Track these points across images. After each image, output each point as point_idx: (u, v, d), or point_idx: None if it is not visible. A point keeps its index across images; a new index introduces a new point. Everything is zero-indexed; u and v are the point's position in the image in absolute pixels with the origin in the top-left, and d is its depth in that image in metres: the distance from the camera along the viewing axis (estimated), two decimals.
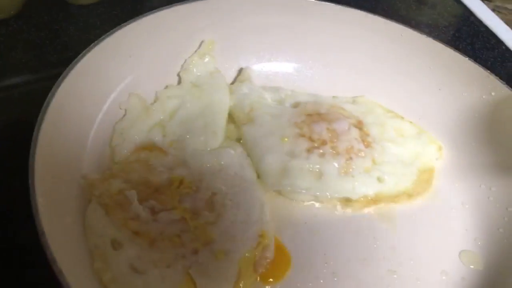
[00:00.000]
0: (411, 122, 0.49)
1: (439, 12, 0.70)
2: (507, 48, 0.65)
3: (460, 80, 0.47)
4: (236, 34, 0.49)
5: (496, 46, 0.65)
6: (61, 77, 0.38)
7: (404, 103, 0.50)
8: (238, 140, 0.45)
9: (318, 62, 0.52)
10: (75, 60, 0.39)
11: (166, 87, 0.47)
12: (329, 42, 0.51)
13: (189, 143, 0.43)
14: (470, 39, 0.66)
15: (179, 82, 0.47)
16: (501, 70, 0.62)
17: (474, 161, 0.46)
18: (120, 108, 0.43)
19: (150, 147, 0.42)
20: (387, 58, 0.50)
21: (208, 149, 0.43)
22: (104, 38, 0.41)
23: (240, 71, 0.50)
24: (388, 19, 0.50)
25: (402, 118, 0.49)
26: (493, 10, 0.72)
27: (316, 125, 0.44)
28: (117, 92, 0.43)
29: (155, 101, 0.46)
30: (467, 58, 0.47)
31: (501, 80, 0.45)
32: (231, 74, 0.50)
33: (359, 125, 0.46)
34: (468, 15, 0.70)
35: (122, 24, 0.43)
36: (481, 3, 0.72)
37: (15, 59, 0.50)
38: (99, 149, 0.41)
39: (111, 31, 0.42)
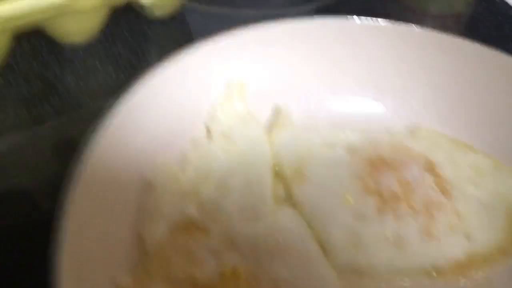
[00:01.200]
0: (485, 153, 0.41)
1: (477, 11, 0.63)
2: None
3: None
4: (266, 70, 0.41)
5: None
6: (78, 161, 0.30)
7: (470, 129, 0.42)
8: (289, 200, 0.37)
9: (362, 90, 0.44)
10: (91, 140, 0.32)
11: (194, 143, 0.39)
12: (371, 66, 0.43)
13: (233, 212, 0.35)
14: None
15: (208, 134, 0.39)
16: None
17: None
18: (144, 179, 0.35)
19: (187, 226, 0.34)
20: (446, 78, 0.43)
21: (257, 219, 0.35)
22: (118, 105, 0.33)
23: (276, 110, 0.42)
24: (444, 33, 0.42)
25: (474, 149, 0.42)
26: None
27: (383, 176, 0.36)
28: (140, 163, 0.35)
29: (184, 164, 0.38)
30: None
31: None
32: (266, 116, 0.42)
33: (431, 168, 0.38)
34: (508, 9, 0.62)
35: (135, 83, 0.35)
36: None
37: (5, 119, 0.42)
38: (128, 238, 0.33)
39: (124, 95, 0.34)
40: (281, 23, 0.41)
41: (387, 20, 0.43)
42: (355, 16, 0.43)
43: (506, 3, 0.63)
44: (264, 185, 0.37)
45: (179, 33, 0.54)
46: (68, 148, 0.42)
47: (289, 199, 0.37)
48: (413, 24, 0.43)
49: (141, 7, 0.50)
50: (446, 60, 0.43)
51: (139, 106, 0.35)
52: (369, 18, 0.43)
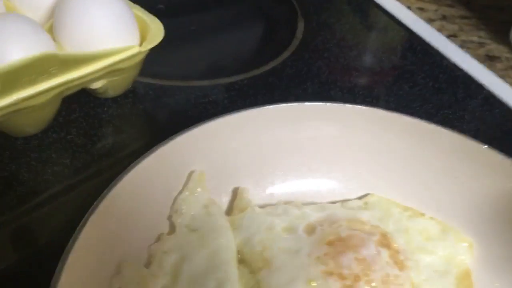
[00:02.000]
0: (431, 218, 0.45)
1: (409, 60, 0.67)
2: (489, 93, 0.62)
3: (479, 169, 0.43)
4: (223, 158, 0.43)
5: (478, 92, 0.63)
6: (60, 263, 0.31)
7: (417, 195, 0.45)
8: (256, 286, 0.39)
9: (315, 167, 0.46)
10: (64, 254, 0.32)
11: (159, 238, 0.40)
12: (323, 144, 0.46)
13: None
14: (451, 89, 0.62)
15: (172, 228, 0.40)
16: (491, 119, 0.59)
17: (509, 255, 0.42)
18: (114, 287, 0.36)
19: None
20: (392, 150, 0.46)
21: None
22: (88, 217, 0.34)
23: (235, 192, 0.44)
24: (390, 111, 0.45)
25: (423, 215, 0.45)
26: (461, 46, 0.70)
27: (343, 256, 0.39)
28: (107, 266, 0.35)
29: (150, 262, 0.38)
30: (483, 145, 0.43)
31: None
32: (225, 200, 0.44)
33: (386, 242, 0.41)
34: (441, 59, 0.67)
35: (104, 192, 0.35)
36: (449, 42, 0.69)
37: None
38: None
39: (94, 204, 0.35)
40: (233, 114, 0.43)
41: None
42: (297, 103, 0.45)
43: (440, 53, 0.68)
44: (232, 279, 0.38)
45: (132, 111, 0.54)
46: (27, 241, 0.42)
47: (255, 285, 0.39)
48: (353, 104, 0.46)
49: (94, 91, 0.51)
50: (389, 134, 0.46)
51: (107, 214, 0.36)
52: (309, 102, 0.46)
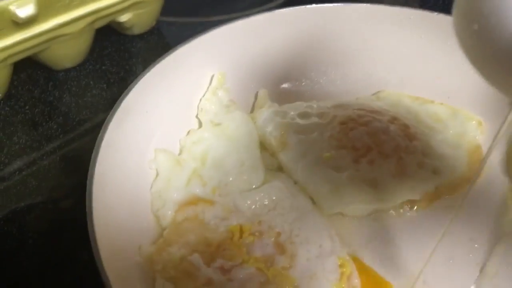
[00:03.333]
0: (441, 103, 0.47)
1: None
2: None
3: None
4: (243, 61, 0.47)
5: None
6: (94, 153, 0.35)
7: (428, 86, 0.48)
8: (279, 168, 0.43)
9: (330, 68, 0.49)
10: (100, 135, 0.36)
11: (188, 133, 0.44)
12: (336, 45, 0.49)
13: (233, 185, 0.40)
14: None
15: (200, 125, 0.45)
16: None
17: None
18: (150, 169, 0.40)
19: (195, 201, 0.39)
20: (399, 45, 0.48)
21: (254, 186, 0.40)
22: (119, 103, 0.38)
23: (256, 96, 0.48)
24: (393, 6, 0.48)
25: (432, 101, 0.47)
26: None
27: (354, 132, 0.42)
28: (144, 152, 0.40)
29: (181, 151, 0.43)
30: None
31: None
32: (249, 102, 0.48)
33: (395, 120, 0.44)
34: None
35: (130, 86, 0.40)
36: None
37: (18, 143, 0.47)
38: (145, 219, 0.38)
39: (122, 96, 0.39)
40: (249, 18, 0.47)
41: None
42: (313, 4, 0.49)
43: None
44: (254, 159, 0.42)
45: (158, 45, 0.59)
46: (77, 159, 0.47)
47: (278, 165, 0.43)
48: (364, 3, 0.49)
49: (121, 27, 0.56)
50: (397, 30, 0.48)
51: (134, 108, 0.40)
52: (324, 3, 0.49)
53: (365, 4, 0.49)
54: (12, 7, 0.43)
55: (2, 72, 0.47)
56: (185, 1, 0.65)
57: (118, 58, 0.56)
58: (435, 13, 0.47)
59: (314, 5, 0.48)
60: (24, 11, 0.43)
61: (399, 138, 0.42)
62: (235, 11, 0.64)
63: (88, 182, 0.33)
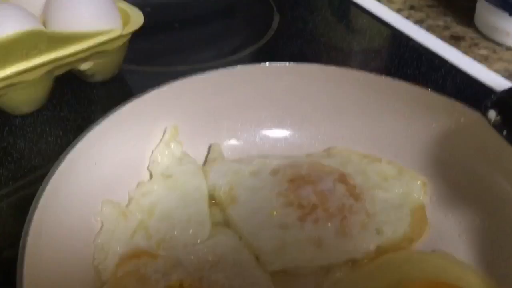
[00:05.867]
0: (389, 162, 0.49)
1: (377, 42, 0.72)
2: (451, 65, 0.67)
3: (426, 113, 0.47)
4: (198, 114, 0.48)
5: (441, 65, 0.67)
6: (34, 208, 0.35)
7: (377, 144, 0.50)
8: (226, 223, 0.43)
9: (283, 123, 0.51)
10: (43, 184, 0.37)
11: (138, 184, 0.44)
12: (288, 101, 0.51)
13: (178, 239, 0.40)
14: (415, 63, 0.67)
15: (150, 176, 0.45)
16: (452, 87, 0.64)
17: (460, 190, 0.46)
18: (95, 221, 0.40)
19: (138, 254, 0.39)
20: (350, 105, 0.50)
21: (199, 241, 0.41)
22: (65, 155, 0.39)
23: (210, 148, 0.49)
24: (343, 67, 0.50)
25: (380, 160, 0.49)
26: (427, 29, 0.75)
27: (301, 189, 0.43)
28: (90, 204, 0.40)
29: (129, 203, 0.43)
30: (428, 90, 0.47)
31: (467, 105, 0.46)
32: (201, 154, 0.49)
33: (343, 179, 0.45)
34: (407, 40, 0.72)
35: (80, 135, 0.40)
36: (416, 26, 0.74)
37: None
38: (85, 272, 0.38)
39: (71, 145, 0.40)
40: (206, 73, 0.48)
41: (295, 62, 0.51)
42: (266, 62, 0.50)
43: (407, 36, 0.73)
44: (202, 213, 0.43)
45: (120, 93, 0.60)
46: (27, 206, 0.47)
47: (225, 221, 0.43)
48: (316, 63, 0.51)
49: (83, 74, 0.56)
50: (349, 89, 0.50)
51: (86, 158, 0.41)
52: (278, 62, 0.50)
53: (317, 64, 0.50)
54: None
55: None
56: (148, 50, 0.66)
57: (77, 105, 0.56)
58: (383, 76, 0.49)
59: (270, 64, 0.50)
60: None
61: (344, 197, 0.43)
62: (198, 62, 0.66)
63: (23, 232, 0.33)
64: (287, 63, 0.50)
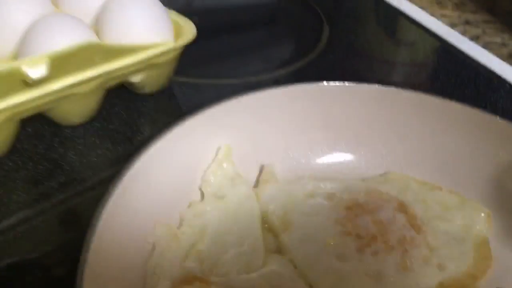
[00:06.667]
0: (450, 191, 0.46)
1: (436, 61, 0.69)
2: (511, 86, 0.64)
3: (492, 140, 0.45)
4: (251, 134, 0.47)
5: (500, 86, 0.64)
6: (90, 231, 0.34)
7: (437, 172, 0.47)
8: (279, 250, 0.42)
9: (338, 146, 0.49)
10: (99, 210, 0.36)
11: (190, 205, 0.43)
12: (344, 123, 0.49)
13: (231, 265, 0.39)
14: (473, 83, 0.64)
15: (202, 197, 0.44)
16: None
17: None
18: (148, 243, 0.39)
19: (190, 279, 0.38)
20: (410, 129, 0.48)
21: (252, 269, 0.39)
22: (123, 175, 0.38)
23: (262, 169, 0.47)
24: (405, 89, 0.48)
25: (441, 188, 0.46)
26: (484, 47, 0.72)
27: (360, 219, 0.41)
28: (143, 226, 0.39)
29: (181, 224, 0.42)
30: (496, 117, 0.45)
31: None
32: (253, 176, 0.47)
33: (403, 208, 0.43)
34: (464, 58, 0.69)
35: (134, 157, 0.39)
36: (473, 43, 0.71)
37: (16, 201, 0.46)
38: None
39: (125, 168, 0.39)
40: (260, 92, 0.47)
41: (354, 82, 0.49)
42: (324, 81, 0.49)
43: (462, 52, 0.70)
44: (255, 238, 0.41)
45: (169, 106, 0.59)
46: (75, 219, 0.46)
47: (277, 248, 0.42)
48: (376, 84, 0.49)
49: (133, 86, 0.56)
50: (408, 113, 0.48)
51: (140, 177, 0.40)
52: (336, 81, 0.49)
53: (376, 85, 0.48)
54: (24, 67, 0.43)
55: (8, 128, 0.47)
56: (197, 62, 0.65)
57: (126, 117, 0.56)
58: (446, 100, 0.47)
59: (327, 83, 0.48)
60: (36, 72, 0.43)
61: (405, 229, 0.41)
62: (246, 75, 0.64)
63: (83, 249, 0.33)
64: (345, 83, 0.48)
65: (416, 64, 0.71)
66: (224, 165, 0.45)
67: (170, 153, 0.42)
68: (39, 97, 0.45)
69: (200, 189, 0.44)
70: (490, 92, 0.63)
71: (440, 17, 0.79)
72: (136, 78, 0.54)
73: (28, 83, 0.44)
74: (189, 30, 0.55)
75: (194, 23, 0.57)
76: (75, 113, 0.52)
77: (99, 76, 0.49)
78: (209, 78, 0.63)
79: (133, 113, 0.56)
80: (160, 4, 0.54)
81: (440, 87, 0.64)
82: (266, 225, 0.43)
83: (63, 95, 0.48)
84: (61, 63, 0.45)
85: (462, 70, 0.67)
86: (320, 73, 0.65)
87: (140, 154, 0.40)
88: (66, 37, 0.46)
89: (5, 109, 0.44)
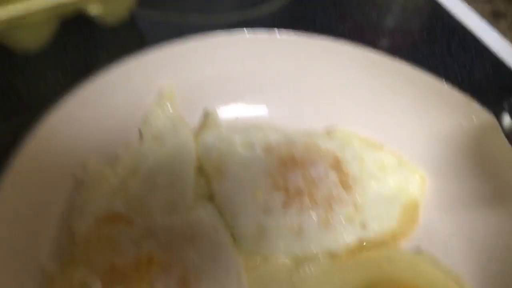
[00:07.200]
0: (390, 152, 0.46)
1: (411, 12, 0.67)
2: (484, 46, 0.62)
3: (439, 107, 0.44)
4: (198, 77, 0.46)
5: (474, 45, 0.62)
6: (15, 153, 0.35)
7: (382, 132, 0.47)
8: (210, 197, 0.42)
9: (288, 98, 0.48)
10: (28, 135, 0.37)
11: (126, 145, 0.43)
12: (298, 76, 0.48)
13: (156, 206, 0.40)
14: (446, 40, 0.62)
15: (140, 137, 0.44)
16: (480, 72, 0.59)
17: (461, 192, 0.43)
18: (76, 177, 0.40)
19: (113, 218, 0.39)
20: (361, 87, 0.47)
21: (176, 213, 0.40)
22: (56, 106, 0.38)
23: (205, 114, 0.47)
24: (358, 46, 0.47)
25: (382, 148, 0.46)
26: (467, 2, 0.69)
27: (291, 173, 0.41)
28: (73, 162, 0.40)
29: (115, 164, 0.42)
30: (444, 84, 0.44)
31: (482, 106, 0.42)
32: (196, 120, 0.47)
33: (337, 165, 0.43)
34: (442, 13, 0.66)
35: (74, 89, 0.39)
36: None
37: None
38: (58, 230, 0.38)
39: (62, 97, 0.39)
40: (213, 36, 0.45)
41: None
42: (276, 31, 0.47)
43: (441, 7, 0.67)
44: (186, 182, 0.42)
45: (130, 39, 0.58)
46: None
47: (210, 197, 0.42)
48: (327, 37, 0.47)
49: (94, 18, 0.54)
50: (360, 70, 0.47)
51: (75, 110, 0.40)
52: (291, 33, 0.47)
53: (327, 39, 0.47)
54: None
55: None
56: None
57: (82, 49, 0.55)
58: (397, 61, 0.46)
59: (280, 34, 0.47)
60: None
61: (334, 186, 0.41)
62: (214, 12, 0.62)
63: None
64: (298, 36, 0.47)
65: (394, 25, 0.68)
66: (166, 106, 0.45)
67: (110, 90, 0.42)
68: None
69: (139, 130, 0.44)
70: (461, 51, 0.61)
71: None
72: (93, 9, 0.52)
73: None
74: None
75: None
76: (28, 39, 0.51)
77: (49, 3, 0.47)
78: (174, 11, 0.61)
79: (90, 45, 0.55)
80: None
81: (410, 42, 0.62)
82: (200, 171, 0.43)
83: (15, 22, 0.46)
84: None
85: (437, 25, 0.64)
86: (291, 20, 0.63)
87: (80, 85, 0.40)
88: None
89: None
